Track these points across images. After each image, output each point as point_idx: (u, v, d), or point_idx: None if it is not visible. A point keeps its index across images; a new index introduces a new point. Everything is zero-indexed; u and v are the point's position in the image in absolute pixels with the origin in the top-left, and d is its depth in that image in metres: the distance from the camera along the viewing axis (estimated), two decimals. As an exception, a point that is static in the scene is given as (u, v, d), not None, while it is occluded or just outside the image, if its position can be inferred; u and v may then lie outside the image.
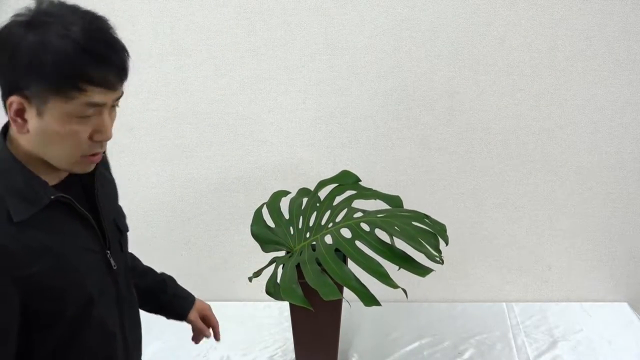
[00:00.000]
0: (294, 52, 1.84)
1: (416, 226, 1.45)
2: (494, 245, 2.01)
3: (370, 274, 1.37)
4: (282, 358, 1.75)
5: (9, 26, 0.87)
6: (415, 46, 1.83)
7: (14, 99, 0.88)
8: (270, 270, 1.53)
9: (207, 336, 1.41)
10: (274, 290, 1.46)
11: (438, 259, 1.38)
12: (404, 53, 1.84)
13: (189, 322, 1.37)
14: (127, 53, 0.94)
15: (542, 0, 1.77)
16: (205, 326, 1.39)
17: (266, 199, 1.71)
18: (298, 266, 1.47)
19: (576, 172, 1.92)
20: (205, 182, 1.97)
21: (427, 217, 1.50)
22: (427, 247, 1.38)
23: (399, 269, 1.40)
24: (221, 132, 1.92)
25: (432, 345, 1.79)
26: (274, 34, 1.83)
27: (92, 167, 1.00)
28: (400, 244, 1.43)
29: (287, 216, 1.65)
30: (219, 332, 1.42)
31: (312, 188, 1.72)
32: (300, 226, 1.62)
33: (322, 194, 1.68)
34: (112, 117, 0.97)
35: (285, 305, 1.94)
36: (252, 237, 1.60)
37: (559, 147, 1.90)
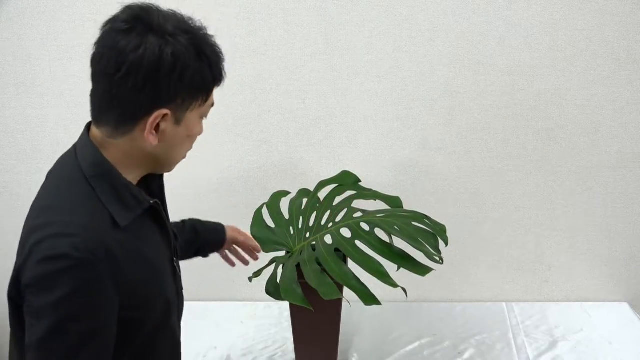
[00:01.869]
0: (294, 52, 1.85)
1: (416, 226, 1.45)
2: (494, 245, 2.01)
3: (370, 273, 1.36)
4: (282, 358, 1.74)
5: (148, 45, 0.90)
6: (415, 46, 1.83)
7: (160, 113, 0.93)
8: (270, 270, 1.53)
9: (243, 262, 1.54)
10: (274, 290, 1.46)
11: (437, 259, 1.38)
12: (404, 53, 1.84)
13: (223, 256, 1.49)
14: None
15: (542, 0, 1.78)
16: (231, 259, 1.51)
17: (266, 199, 1.71)
18: (298, 266, 1.47)
19: (576, 172, 1.92)
20: (205, 182, 1.97)
21: (427, 217, 1.50)
22: (426, 247, 1.38)
23: (398, 269, 1.40)
24: (221, 132, 1.92)
25: (432, 345, 1.78)
26: (274, 34, 1.83)
27: None
28: (400, 244, 1.43)
29: (287, 216, 1.65)
30: (254, 247, 1.52)
31: (312, 188, 1.72)
32: (300, 226, 1.62)
33: (322, 194, 1.68)
34: None
35: (285, 305, 1.94)
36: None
37: (559, 147, 1.90)
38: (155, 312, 1.02)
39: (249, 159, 1.95)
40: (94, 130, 0.99)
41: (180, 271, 1.16)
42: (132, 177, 1.01)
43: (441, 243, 1.43)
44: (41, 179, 2.14)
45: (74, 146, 1.01)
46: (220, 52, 1.00)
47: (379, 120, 1.90)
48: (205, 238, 1.44)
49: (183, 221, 1.43)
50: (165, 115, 0.94)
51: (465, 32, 1.81)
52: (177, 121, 0.97)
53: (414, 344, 1.79)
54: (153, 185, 1.10)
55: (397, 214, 1.50)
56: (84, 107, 1.92)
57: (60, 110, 1.91)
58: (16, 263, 0.95)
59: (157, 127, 0.95)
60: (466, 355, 1.74)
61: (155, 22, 0.92)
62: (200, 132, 1.03)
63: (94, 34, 1.85)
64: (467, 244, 2.00)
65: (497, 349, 1.77)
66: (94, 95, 0.96)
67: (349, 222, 1.53)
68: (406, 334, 1.84)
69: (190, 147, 1.04)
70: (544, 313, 1.96)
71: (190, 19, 1.00)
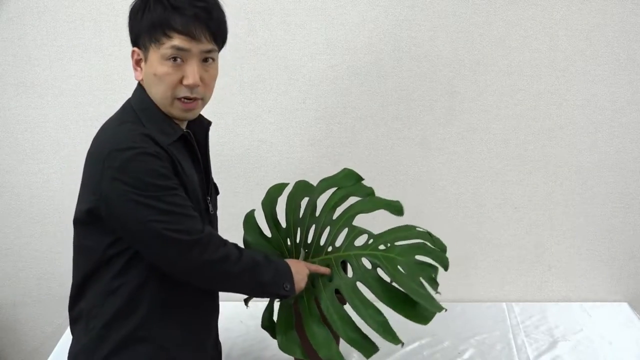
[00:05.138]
0: (294, 52, 1.85)
1: (418, 262, 1.39)
2: (494, 245, 2.01)
3: (370, 326, 1.32)
4: (282, 358, 1.74)
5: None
6: (415, 46, 1.83)
7: (134, 50, 1.20)
8: None
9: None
10: (270, 325, 1.45)
11: (437, 306, 1.31)
12: (404, 53, 1.84)
13: None
14: (214, 12, 1.18)
15: (542, 0, 1.78)
16: None
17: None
18: (295, 303, 1.41)
19: (576, 172, 1.92)
20: (205, 182, 1.97)
21: (430, 236, 1.44)
22: (428, 297, 1.32)
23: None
24: (221, 132, 1.92)
25: (432, 345, 1.78)
26: (274, 34, 1.83)
27: (189, 114, 1.23)
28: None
29: (283, 218, 1.60)
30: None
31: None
32: (298, 240, 1.56)
33: (322, 198, 1.62)
34: (210, 73, 1.22)
35: (285, 305, 1.94)
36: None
37: (559, 147, 1.90)
38: None
39: (249, 159, 1.95)
40: None
41: (213, 210, 1.37)
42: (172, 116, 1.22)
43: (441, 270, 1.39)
44: (41, 179, 2.14)
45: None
46: (178, 6, 1.14)
47: (379, 120, 1.90)
48: None
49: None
50: (138, 54, 1.19)
51: (465, 32, 1.81)
52: (145, 59, 1.18)
53: (414, 344, 1.79)
54: (198, 136, 1.32)
55: (399, 247, 1.43)
56: (84, 107, 1.93)
57: (60, 110, 1.91)
58: (92, 178, 1.16)
59: (140, 65, 1.20)
60: (466, 355, 1.74)
61: None
62: (169, 75, 1.16)
63: (94, 34, 1.85)
64: (467, 244, 2.00)
65: (497, 349, 1.77)
66: None
67: (349, 253, 1.46)
68: (406, 334, 1.83)
69: (168, 89, 1.18)
70: (544, 313, 1.95)
71: None
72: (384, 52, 1.84)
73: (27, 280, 2.08)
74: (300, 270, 1.34)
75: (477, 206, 1.97)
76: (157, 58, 1.15)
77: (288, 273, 1.30)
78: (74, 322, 1.27)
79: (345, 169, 1.65)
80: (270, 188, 1.66)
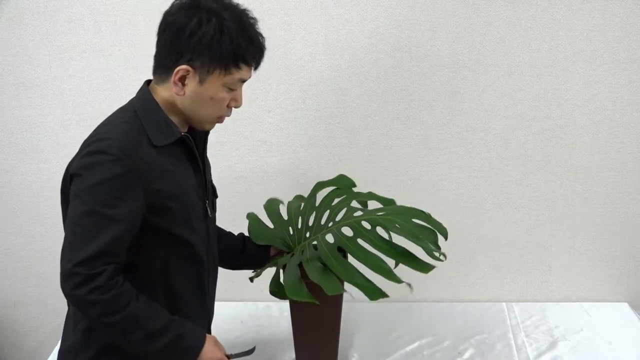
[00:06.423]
0: (294, 52, 1.85)
1: (416, 223, 1.43)
2: (494, 245, 2.01)
3: (373, 271, 1.36)
4: (282, 358, 1.74)
5: (185, 13, 1.15)
6: (415, 46, 1.83)
7: (182, 67, 1.16)
8: (270, 270, 1.53)
9: None
10: (277, 289, 1.45)
11: (438, 255, 1.36)
12: (404, 53, 1.84)
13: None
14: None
15: (542, 0, 1.78)
16: None
17: (266, 198, 1.71)
18: (300, 265, 1.46)
19: (576, 172, 1.92)
20: (205, 182, 1.97)
21: (427, 214, 1.48)
22: (427, 243, 1.37)
23: (396, 266, 1.39)
24: (221, 132, 1.91)
25: (432, 345, 1.78)
26: (273, 34, 1.83)
27: (213, 127, 1.29)
28: (401, 241, 1.41)
29: (285, 217, 1.64)
30: None
31: (309, 191, 1.70)
32: (299, 226, 1.60)
33: (319, 196, 1.66)
34: None
35: (285, 305, 1.94)
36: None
37: (559, 147, 1.90)
38: (177, 226, 1.20)
39: (249, 159, 1.95)
40: (153, 81, 1.25)
41: (212, 214, 1.36)
42: (176, 121, 1.23)
43: (441, 239, 1.41)
44: (41, 179, 2.15)
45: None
46: (253, 39, 1.19)
47: (379, 120, 1.90)
48: (252, 253, 1.57)
49: (240, 234, 1.61)
50: (188, 72, 1.16)
51: (465, 32, 1.81)
52: (201, 81, 1.17)
53: (414, 344, 1.79)
54: (197, 139, 1.31)
55: (397, 211, 1.49)
56: (84, 107, 1.94)
57: (60, 110, 1.91)
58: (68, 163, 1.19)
59: (183, 81, 1.17)
60: (466, 355, 1.74)
61: (203, 2, 1.15)
62: (225, 100, 1.21)
63: (94, 33, 1.85)
64: (467, 244, 2.00)
65: (497, 349, 1.77)
66: (155, 51, 1.21)
67: (349, 220, 1.51)
68: (406, 334, 1.84)
69: (218, 112, 1.23)
70: (544, 313, 1.96)
71: (246, 10, 1.21)
72: (384, 52, 1.84)
73: (27, 280, 2.08)
74: (215, 353, 1.25)
75: (477, 206, 1.97)
76: (219, 84, 1.18)
77: (195, 348, 1.20)
78: (66, 320, 1.29)
79: (340, 175, 1.69)
80: (269, 199, 1.72)
